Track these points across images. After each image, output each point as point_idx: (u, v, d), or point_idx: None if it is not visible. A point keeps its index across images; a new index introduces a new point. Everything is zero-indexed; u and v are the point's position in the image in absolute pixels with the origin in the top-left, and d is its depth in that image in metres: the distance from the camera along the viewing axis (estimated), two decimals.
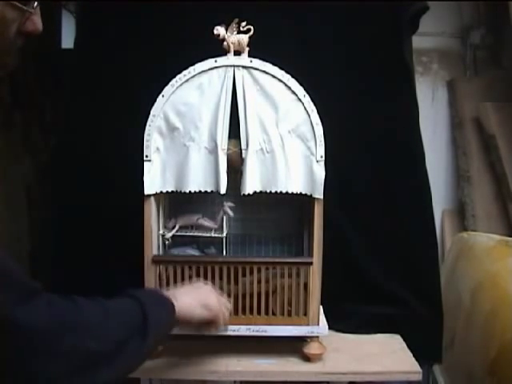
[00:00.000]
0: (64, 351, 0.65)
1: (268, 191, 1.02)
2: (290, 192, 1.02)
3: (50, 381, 0.64)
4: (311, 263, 1.03)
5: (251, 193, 1.01)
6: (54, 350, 0.64)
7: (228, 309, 0.97)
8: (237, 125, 1.03)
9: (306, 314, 1.05)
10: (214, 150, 1.01)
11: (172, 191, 1.03)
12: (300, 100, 1.02)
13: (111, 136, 1.25)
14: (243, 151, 1.02)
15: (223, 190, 1.00)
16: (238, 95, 1.02)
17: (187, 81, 1.02)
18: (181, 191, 1.02)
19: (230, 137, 1.05)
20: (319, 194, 1.01)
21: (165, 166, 1.03)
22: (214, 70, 1.02)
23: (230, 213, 1.10)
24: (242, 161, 1.04)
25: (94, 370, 0.68)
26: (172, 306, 0.83)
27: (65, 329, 0.65)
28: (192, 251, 1.15)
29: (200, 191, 1.02)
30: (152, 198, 1.03)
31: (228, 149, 1.03)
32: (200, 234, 1.13)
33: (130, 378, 1.04)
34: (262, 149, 1.02)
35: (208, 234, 1.12)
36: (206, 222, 1.12)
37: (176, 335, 0.95)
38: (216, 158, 1.01)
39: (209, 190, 1.02)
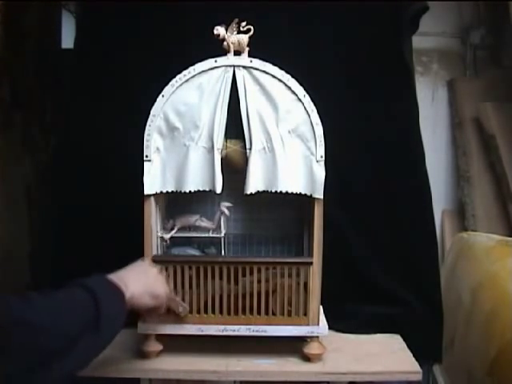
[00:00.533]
0: (14, 348, 0.64)
1: (270, 191, 1.02)
2: (290, 192, 1.02)
3: (8, 381, 0.64)
4: (311, 263, 1.03)
5: (254, 192, 1.01)
6: (4, 347, 0.63)
7: (170, 296, 0.97)
8: (238, 124, 1.03)
9: (306, 313, 1.05)
10: (211, 150, 1.01)
11: (172, 191, 1.03)
12: (300, 100, 1.02)
13: (111, 136, 1.25)
14: (247, 151, 1.02)
15: (219, 190, 1.00)
16: (240, 95, 1.02)
17: (187, 81, 1.02)
18: (180, 191, 1.02)
19: (230, 136, 1.05)
20: (319, 194, 1.01)
21: (165, 166, 1.03)
22: (214, 70, 1.02)
23: (227, 212, 1.10)
24: (242, 161, 1.04)
25: (46, 366, 0.68)
26: (123, 295, 0.82)
27: (14, 325, 0.65)
28: (192, 251, 1.15)
29: (199, 190, 1.02)
30: (152, 198, 1.03)
31: (228, 147, 1.04)
32: (198, 235, 1.13)
33: (130, 378, 1.05)
34: (264, 148, 1.02)
35: (206, 235, 1.12)
36: (204, 223, 1.12)
37: (176, 335, 0.95)
38: (212, 158, 1.01)
39: (207, 189, 1.02)
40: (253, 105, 1.02)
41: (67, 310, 0.73)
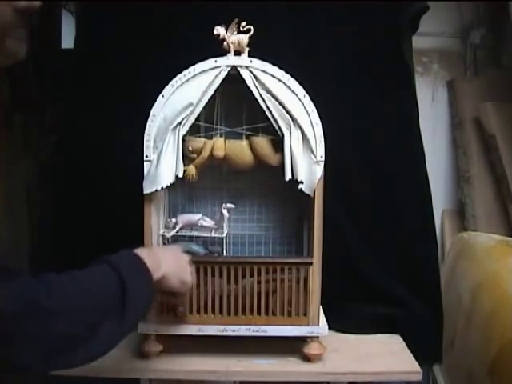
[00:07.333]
0: (37, 338, 0.64)
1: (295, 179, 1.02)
2: (300, 180, 1.02)
3: (26, 367, 0.65)
4: (311, 263, 1.03)
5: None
6: (27, 336, 0.63)
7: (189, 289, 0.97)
8: (237, 124, 1.03)
9: (305, 314, 1.05)
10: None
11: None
12: (300, 100, 1.02)
13: (111, 136, 1.25)
14: (281, 138, 1.03)
15: (180, 173, 1.01)
16: (253, 90, 1.02)
17: (187, 81, 1.02)
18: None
19: (230, 136, 1.05)
20: (310, 191, 1.02)
21: (164, 165, 1.03)
22: (214, 70, 1.02)
23: (229, 213, 1.10)
24: (241, 161, 1.04)
25: (69, 352, 0.68)
26: (151, 278, 0.81)
27: (37, 316, 0.65)
28: (197, 247, 1.15)
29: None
30: (152, 198, 1.03)
31: (227, 148, 1.03)
32: (200, 234, 1.13)
33: (130, 378, 1.05)
34: (291, 133, 1.02)
35: (208, 234, 1.12)
36: (206, 223, 1.12)
37: (176, 335, 0.96)
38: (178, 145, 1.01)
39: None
40: (266, 97, 1.02)
41: (91, 293, 0.72)
